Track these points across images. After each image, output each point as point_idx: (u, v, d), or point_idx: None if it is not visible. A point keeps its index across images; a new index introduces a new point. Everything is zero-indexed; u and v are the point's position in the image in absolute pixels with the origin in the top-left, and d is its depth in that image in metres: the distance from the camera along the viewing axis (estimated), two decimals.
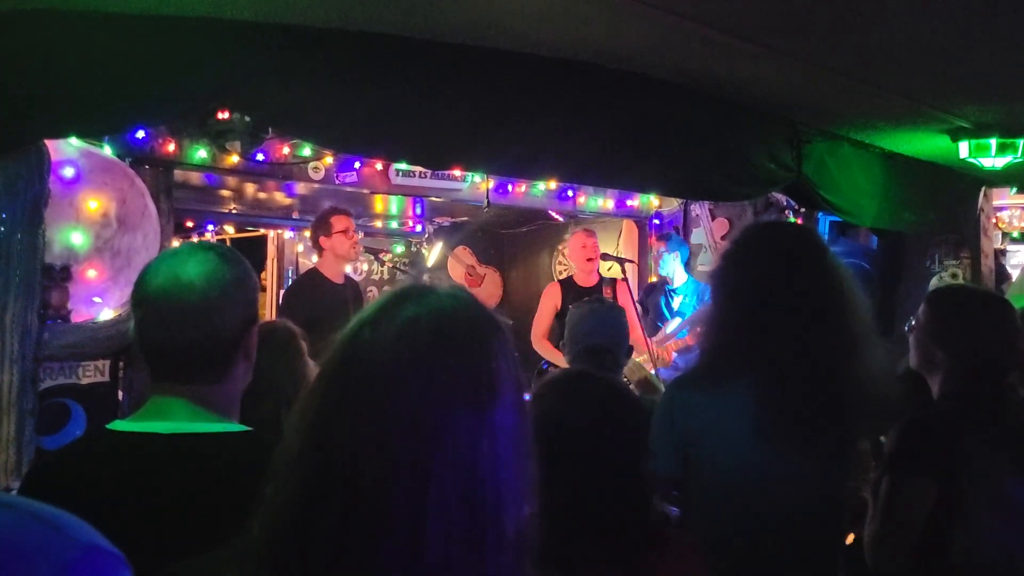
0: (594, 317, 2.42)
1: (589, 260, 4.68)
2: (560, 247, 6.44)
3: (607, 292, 4.53)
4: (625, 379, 2.55)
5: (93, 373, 3.07)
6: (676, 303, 4.99)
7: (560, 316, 4.56)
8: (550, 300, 4.69)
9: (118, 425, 1.22)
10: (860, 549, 1.88)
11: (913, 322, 2.04)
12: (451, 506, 0.73)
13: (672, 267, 5.02)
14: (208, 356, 1.20)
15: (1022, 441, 1.83)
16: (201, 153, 3.48)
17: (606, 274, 4.92)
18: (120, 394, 3.16)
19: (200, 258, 1.21)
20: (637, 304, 4.73)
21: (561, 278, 5.19)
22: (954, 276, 5.87)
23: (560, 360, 4.42)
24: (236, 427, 1.24)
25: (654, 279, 5.43)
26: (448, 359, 0.77)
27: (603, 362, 2.34)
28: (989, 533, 1.74)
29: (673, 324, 4.84)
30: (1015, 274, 6.14)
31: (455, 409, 0.75)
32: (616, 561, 1.26)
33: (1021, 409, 1.91)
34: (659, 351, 4.70)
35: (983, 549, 1.74)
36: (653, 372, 3.57)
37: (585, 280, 4.70)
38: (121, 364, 3.15)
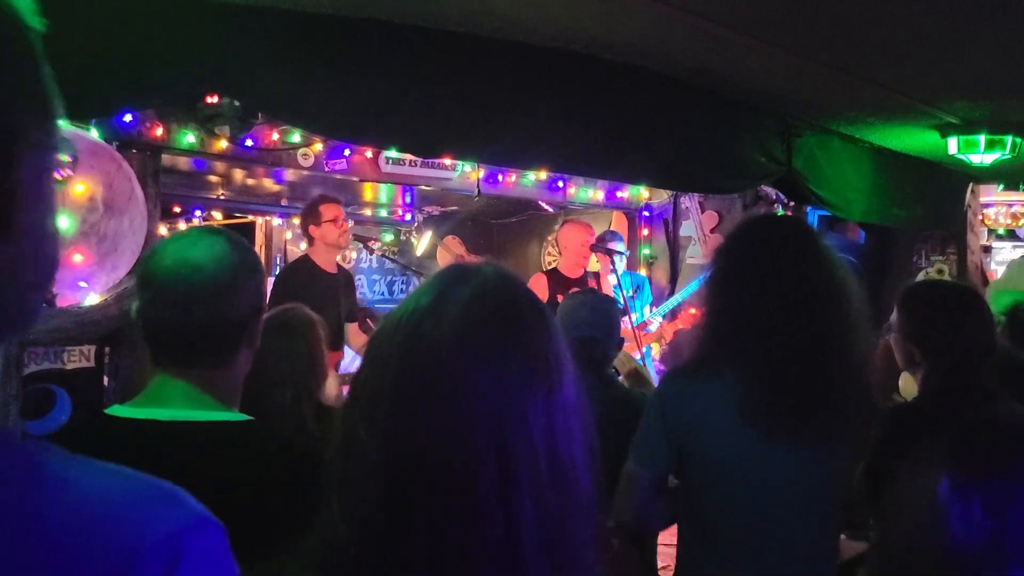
0: (586, 308, 2.41)
1: (586, 257, 4.64)
2: (550, 237, 6.43)
3: (592, 284, 4.52)
4: (615, 370, 2.54)
5: (78, 358, 3.05)
6: (623, 298, 4.90)
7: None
8: (536, 291, 4.63)
9: (117, 410, 1.21)
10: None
11: (887, 325, 2.07)
12: (540, 484, 0.74)
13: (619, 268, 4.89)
14: (213, 340, 1.19)
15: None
16: (189, 138, 3.45)
17: (592, 265, 4.90)
18: (105, 379, 3.14)
19: (209, 242, 1.21)
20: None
21: (546, 269, 5.16)
22: (940, 272, 5.92)
23: None
24: (236, 416, 1.24)
25: (643, 271, 5.43)
26: (516, 342, 0.77)
27: (593, 353, 2.33)
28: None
29: (646, 311, 4.80)
30: (999, 271, 6.19)
31: (531, 390, 0.76)
32: None
33: (998, 401, 1.93)
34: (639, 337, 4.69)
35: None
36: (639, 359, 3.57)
37: (572, 271, 4.68)
38: (107, 349, 3.13)
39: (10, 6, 0.50)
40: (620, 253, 5.14)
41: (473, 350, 0.76)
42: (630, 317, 4.29)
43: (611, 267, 4.59)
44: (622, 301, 4.82)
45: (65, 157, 2.70)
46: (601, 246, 4.66)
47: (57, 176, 0.55)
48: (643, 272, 5.52)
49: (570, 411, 0.79)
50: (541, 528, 0.74)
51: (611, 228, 5.34)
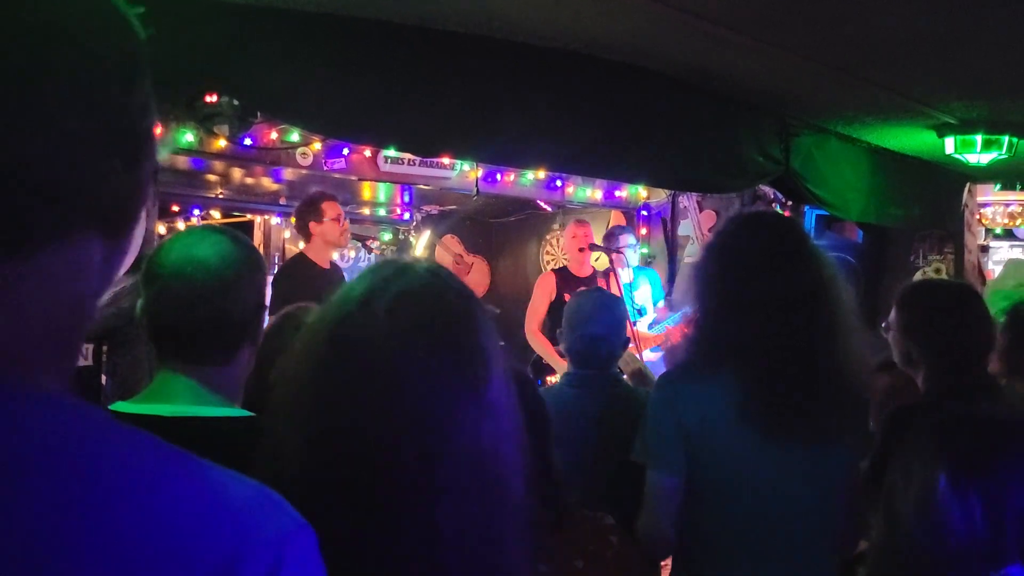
0: (593, 306, 2.41)
1: (580, 250, 4.67)
2: (548, 237, 6.44)
3: (601, 283, 4.52)
4: (619, 370, 2.55)
5: None
6: (639, 295, 4.94)
7: (554, 306, 4.55)
8: (544, 290, 4.65)
9: (120, 407, 1.22)
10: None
11: (886, 323, 2.08)
12: (462, 488, 0.73)
13: (632, 261, 4.94)
14: (217, 337, 1.20)
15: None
16: (188, 137, 3.46)
17: (594, 263, 4.92)
18: (103, 378, 3.14)
19: (214, 240, 1.22)
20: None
21: (556, 267, 5.17)
22: (938, 271, 5.93)
23: (552, 355, 4.42)
24: (239, 412, 1.24)
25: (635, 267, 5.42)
26: (442, 340, 0.76)
27: (599, 351, 2.34)
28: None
29: (646, 323, 4.80)
30: (996, 271, 6.21)
31: (457, 390, 0.75)
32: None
33: (1004, 398, 1.94)
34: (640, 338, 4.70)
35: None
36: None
37: (580, 270, 4.69)
38: (104, 348, 3.13)
39: (128, 18, 0.52)
40: (619, 250, 5.15)
41: (399, 347, 0.75)
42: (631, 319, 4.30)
43: (622, 264, 4.60)
44: (633, 301, 4.86)
45: None
46: (599, 246, 4.67)
47: None
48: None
49: (500, 411, 0.77)
50: (462, 532, 0.73)
51: (621, 223, 5.35)
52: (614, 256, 4.60)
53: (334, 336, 0.78)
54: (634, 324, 4.73)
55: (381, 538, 0.72)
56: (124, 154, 0.50)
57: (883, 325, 2.12)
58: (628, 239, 4.88)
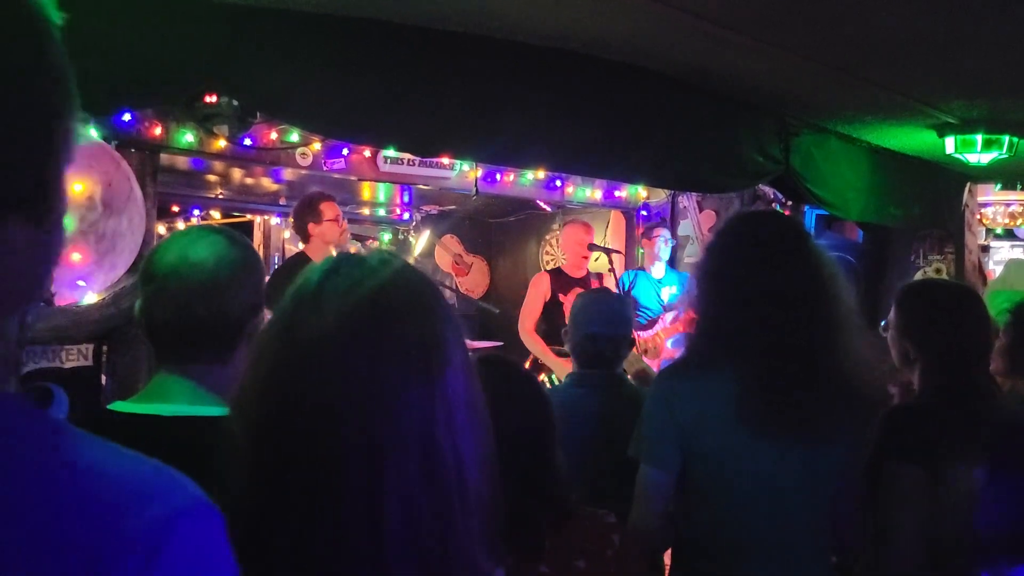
0: (599, 306, 2.42)
1: (586, 257, 4.66)
2: (547, 237, 6.44)
3: (595, 284, 4.53)
4: (623, 371, 2.55)
5: (76, 357, 3.06)
6: (665, 294, 4.98)
7: (548, 306, 4.55)
8: (538, 290, 4.65)
9: (119, 406, 1.22)
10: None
11: (885, 323, 2.08)
12: (409, 478, 0.72)
13: (665, 256, 5.00)
14: (213, 336, 1.20)
15: (996, 434, 1.86)
16: (188, 137, 3.45)
17: (593, 265, 4.92)
18: (103, 378, 3.15)
19: (210, 239, 1.22)
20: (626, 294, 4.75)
21: (550, 268, 5.18)
22: (938, 271, 5.93)
23: (546, 354, 4.41)
24: None
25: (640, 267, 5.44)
26: (392, 330, 0.75)
27: (604, 351, 2.34)
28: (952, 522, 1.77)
29: (669, 316, 4.83)
30: (997, 271, 6.20)
31: (406, 380, 0.74)
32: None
33: (1000, 399, 1.94)
34: (650, 341, 4.71)
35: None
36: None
37: (575, 271, 4.69)
38: (104, 348, 3.13)
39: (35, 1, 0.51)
40: (619, 252, 5.16)
41: (346, 338, 0.74)
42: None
43: (659, 254, 4.70)
44: (660, 297, 4.90)
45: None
46: (598, 246, 4.67)
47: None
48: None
49: (457, 403, 0.76)
50: (409, 519, 0.71)
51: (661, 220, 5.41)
52: (613, 256, 4.60)
53: (282, 329, 0.78)
54: (655, 321, 4.76)
55: (328, 533, 0.72)
56: (37, 144, 0.51)
57: (882, 324, 2.12)
58: (663, 233, 4.91)
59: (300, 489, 0.73)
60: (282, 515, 0.73)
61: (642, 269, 5.06)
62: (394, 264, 0.81)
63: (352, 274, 0.78)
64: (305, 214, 4.08)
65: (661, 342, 4.71)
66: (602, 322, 2.35)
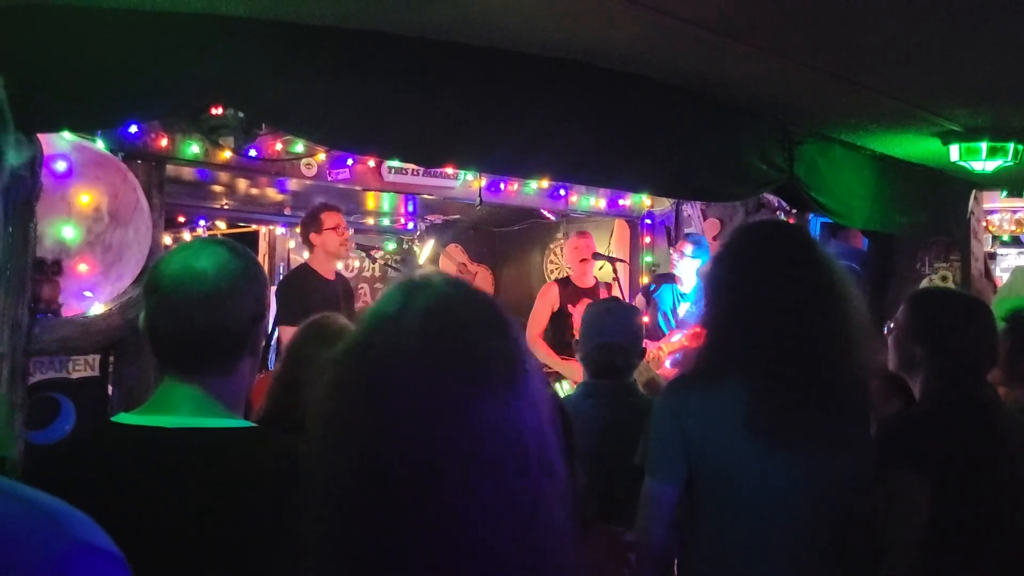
0: (611, 316, 2.42)
1: (582, 261, 4.68)
2: (552, 246, 6.44)
3: (603, 293, 4.53)
4: (634, 380, 2.55)
5: (83, 367, 3.07)
6: (682, 309, 4.93)
7: (556, 316, 4.55)
8: (547, 300, 4.66)
9: (123, 418, 1.23)
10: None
11: (891, 324, 2.06)
12: (509, 486, 0.74)
13: (689, 271, 4.91)
14: (216, 348, 1.21)
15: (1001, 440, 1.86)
16: (194, 148, 3.48)
17: (597, 274, 4.92)
18: (110, 388, 3.16)
19: (212, 251, 1.23)
20: (640, 297, 4.75)
21: (559, 278, 5.18)
22: (944, 279, 5.91)
23: (554, 361, 4.42)
24: (241, 422, 1.25)
25: (645, 279, 5.44)
26: (476, 346, 0.78)
27: (615, 361, 2.34)
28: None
29: (677, 335, 4.80)
30: (1004, 278, 6.18)
31: (493, 395, 0.76)
32: None
33: (1001, 408, 1.93)
34: (656, 353, 4.70)
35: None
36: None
37: (583, 281, 4.69)
38: (111, 359, 3.14)
39: None
40: (623, 261, 5.16)
41: (433, 358, 0.76)
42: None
43: (676, 267, 4.63)
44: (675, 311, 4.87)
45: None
46: (601, 255, 4.67)
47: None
48: (644, 279, 5.52)
49: (539, 406, 0.79)
50: (503, 525, 0.74)
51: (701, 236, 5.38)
52: (617, 265, 4.60)
53: (367, 359, 0.79)
54: (663, 335, 4.74)
55: (429, 541, 0.73)
56: None
57: (886, 329, 2.11)
58: (684, 248, 4.82)
59: (404, 511, 0.74)
60: (386, 537, 0.74)
61: (673, 280, 4.97)
62: (463, 284, 0.85)
63: (428, 296, 0.81)
64: (307, 225, 4.11)
65: (663, 356, 4.69)
66: (613, 332, 2.35)
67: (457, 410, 0.75)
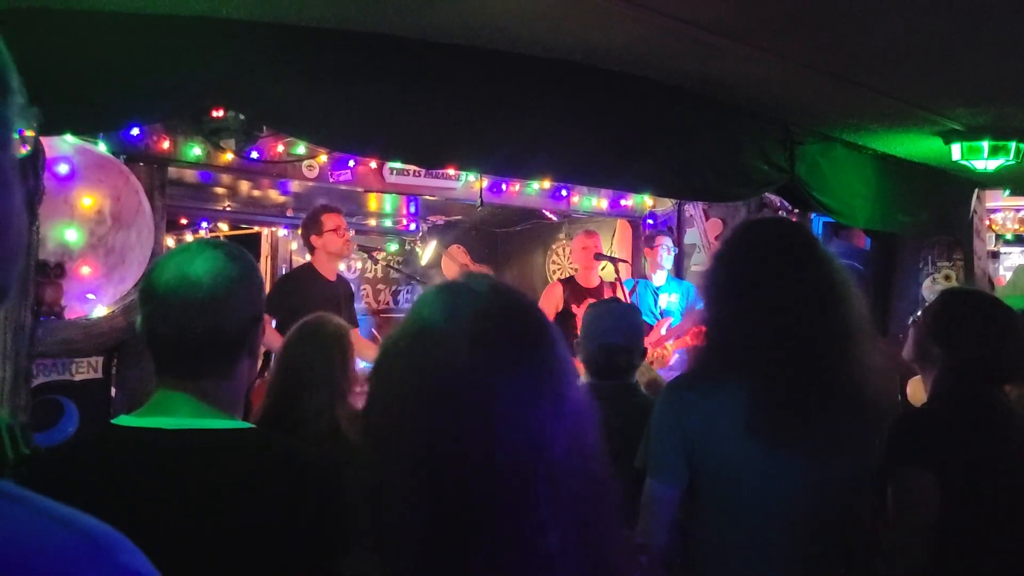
0: (612, 316, 2.42)
1: (593, 259, 4.67)
2: (554, 246, 6.45)
3: (608, 293, 4.53)
4: (636, 380, 2.55)
5: (86, 370, 3.07)
6: (663, 302, 4.97)
7: (561, 316, 4.56)
8: (551, 300, 4.68)
9: (123, 420, 1.23)
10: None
11: (919, 314, 2.05)
12: (562, 490, 0.75)
13: (668, 264, 5.01)
14: (213, 352, 1.21)
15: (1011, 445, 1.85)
16: (195, 151, 3.48)
17: (601, 273, 4.92)
18: (113, 391, 3.16)
19: (208, 255, 1.23)
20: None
21: (563, 278, 5.19)
22: (947, 278, 5.90)
23: None
24: (240, 424, 1.25)
25: (643, 277, 5.44)
26: (524, 352, 0.78)
27: (617, 361, 2.34)
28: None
29: (664, 324, 4.83)
30: (1008, 277, 6.17)
31: (542, 397, 0.76)
32: None
33: (1011, 411, 1.92)
34: (657, 351, 4.70)
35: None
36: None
37: (587, 281, 4.69)
38: (114, 361, 3.15)
39: None
40: (625, 261, 5.16)
41: (487, 371, 0.75)
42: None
43: (660, 263, 4.67)
44: (656, 304, 4.89)
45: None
46: (605, 255, 4.68)
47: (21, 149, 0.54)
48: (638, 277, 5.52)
49: (584, 416, 0.79)
50: (565, 528, 0.74)
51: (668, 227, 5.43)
52: (620, 265, 4.61)
53: (411, 365, 0.78)
54: (650, 329, 4.76)
55: (494, 550, 0.73)
56: None
57: (911, 320, 2.10)
58: (664, 241, 4.92)
59: (464, 517, 0.74)
60: (447, 545, 0.74)
61: (644, 277, 5.06)
62: (506, 288, 0.83)
63: (474, 301, 0.80)
64: (308, 227, 4.11)
65: (668, 354, 4.70)
66: (615, 332, 2.34)
67: (507, 416, 0.74)
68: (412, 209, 5.68)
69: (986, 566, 1.82)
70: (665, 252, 4.97)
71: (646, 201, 5.55)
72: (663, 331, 4.78)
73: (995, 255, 6.79)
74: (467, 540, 0.73)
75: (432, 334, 0.78)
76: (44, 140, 2.70)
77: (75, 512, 0.47)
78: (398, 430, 0.77)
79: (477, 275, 0.85)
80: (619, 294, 4.56)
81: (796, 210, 4.96)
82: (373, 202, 5.32)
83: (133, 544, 0.49)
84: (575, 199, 5.19)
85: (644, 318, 4.84)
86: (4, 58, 0.51)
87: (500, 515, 0.73)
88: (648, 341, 4.70)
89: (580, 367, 4.18)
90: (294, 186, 4.52)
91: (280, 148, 3.79)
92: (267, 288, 5.87)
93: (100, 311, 3.10)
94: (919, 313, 2.06)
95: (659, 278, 4.99)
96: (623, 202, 5.46)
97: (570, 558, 0.74)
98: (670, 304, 4.93)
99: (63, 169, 2.92)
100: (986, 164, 4.39)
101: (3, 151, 0.50)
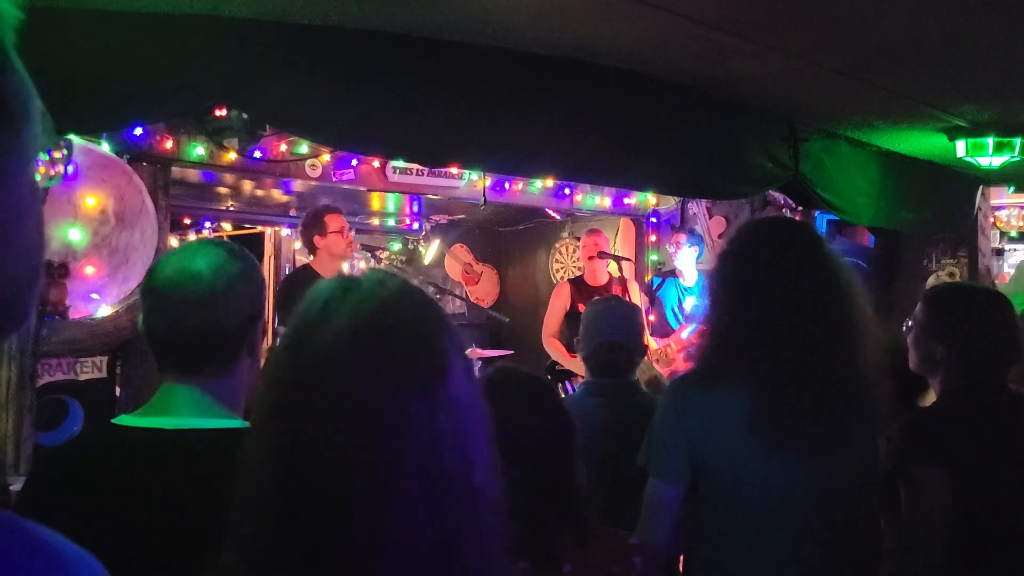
0: (611, 315, 2.41)
1: (590, 258, 4.68)
2: (557, 245, 6.44)
3: (616, 291, 4.52)
4: (636, 379, 2.54)
5: (91, 369, 3.08)
6: (688, 304, 4.92)
7: (570, 316, 4.56)
8: (560, 300, 4.69)
9: (123, 420, 1.23)
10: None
11: (910, 323, 2.04)
12: (413, 488, 0.74)
13: (689, 263, 4.92)
14: (212, 348, 1.21)
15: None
16: (199, 150, 3.48)
17: (609, 270, 4.91)
18: (118, 390, 3.17)
19: (208, 252, 1.23)
20: (643, 295, 4.75)
21: (571, 278, 5.18)
22: (951, 275, 5.88)
23: (568, 360, 4.42)
24: (240, 423, 1.25)
25: (650, 276, 5.43)
26: (392, 344, 0.78)
27: (618, 360, 2.34)
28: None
29: (687, 330, 4.79)
30: (1011, 273, 6.15)
31: (408, 392, 0.76)
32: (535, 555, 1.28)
33: (1020, 405, 1.91)
34: (663, 350, 4.70)
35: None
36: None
37: (595, 279, 4.69)
38: (119, 360, 3.15)
39: None
40: (628, 259, 5.15)
41: (349, 355, 0.77)
42: (648, 324, 4.30)
43: (675, 261, 4.69)
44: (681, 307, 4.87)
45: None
46: (607, 254, 4.67)
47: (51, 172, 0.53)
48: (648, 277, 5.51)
49: (460, 408, 0.78)
50: (414, 535, 0.73)
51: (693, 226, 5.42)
52: (623, 264, 4.60)
53: (290, 348, 0.81)
54: (671, 331, 4.74)
55: (334, 548, 0.73)
56: None
57: (904, 328, 2.08)
58: (679, 239, 4.85)
59: (309, 504, 0.75)
60: (293, 531, 0.75)
61: (674, 275, 4.98)
62: (391, 282, 0.83)
63: (353, 294, 0.81)
64: (310, 227, 4.09)
65: (674, 353, 4.69)
66: (616, 331, 2.34)
67: (367, 407, 0.75)
68: (415, 208, 5.68)
69: (1001, 562, 1.81)
70: (677, 250, 4.89)
71: (649, 199, 5.54)
72: (684, 336, 4.71)
73: (1000, 252, 6.77)
74: (314, 520, 0.74)
75: (314, 318, 0.80)
76: None
77: (44, 530, 0.45)
78: (263, 410, 0.80)
79: (378, 271, 0.87)
80: (631, 292, 4.55)
81: (800, 208, 4.95)
82: (376, 201, 5.32)
83: (102, 568, 0.47)
84: (578, 197, 5.19)
85: (666, 316, 4.86)
86: (26, 86, 0.51)
87: (350, 501, 0.73)
88: (664, 341, 4.70)
89: (580, 365, 4.20)
90: (297, 185, 4.51)
91: (283, 147, 3.78)
92: (270, 288, 5.87)
93: (104, 311, 3.11)
94: (909, 322, 2.04)
95: (689, 278, 4.92)
96: (626, 200, 5.45)
97: (413, 556, 0.73)
98: (695, 309, 4.87)
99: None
100: (991, 161, 4.38)
101: (22, 177, 0.49)
